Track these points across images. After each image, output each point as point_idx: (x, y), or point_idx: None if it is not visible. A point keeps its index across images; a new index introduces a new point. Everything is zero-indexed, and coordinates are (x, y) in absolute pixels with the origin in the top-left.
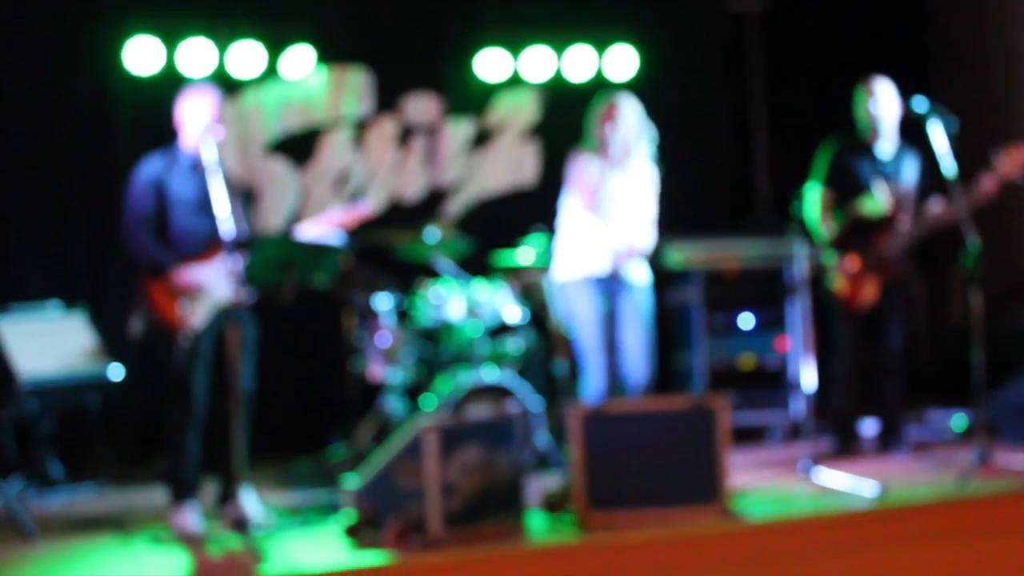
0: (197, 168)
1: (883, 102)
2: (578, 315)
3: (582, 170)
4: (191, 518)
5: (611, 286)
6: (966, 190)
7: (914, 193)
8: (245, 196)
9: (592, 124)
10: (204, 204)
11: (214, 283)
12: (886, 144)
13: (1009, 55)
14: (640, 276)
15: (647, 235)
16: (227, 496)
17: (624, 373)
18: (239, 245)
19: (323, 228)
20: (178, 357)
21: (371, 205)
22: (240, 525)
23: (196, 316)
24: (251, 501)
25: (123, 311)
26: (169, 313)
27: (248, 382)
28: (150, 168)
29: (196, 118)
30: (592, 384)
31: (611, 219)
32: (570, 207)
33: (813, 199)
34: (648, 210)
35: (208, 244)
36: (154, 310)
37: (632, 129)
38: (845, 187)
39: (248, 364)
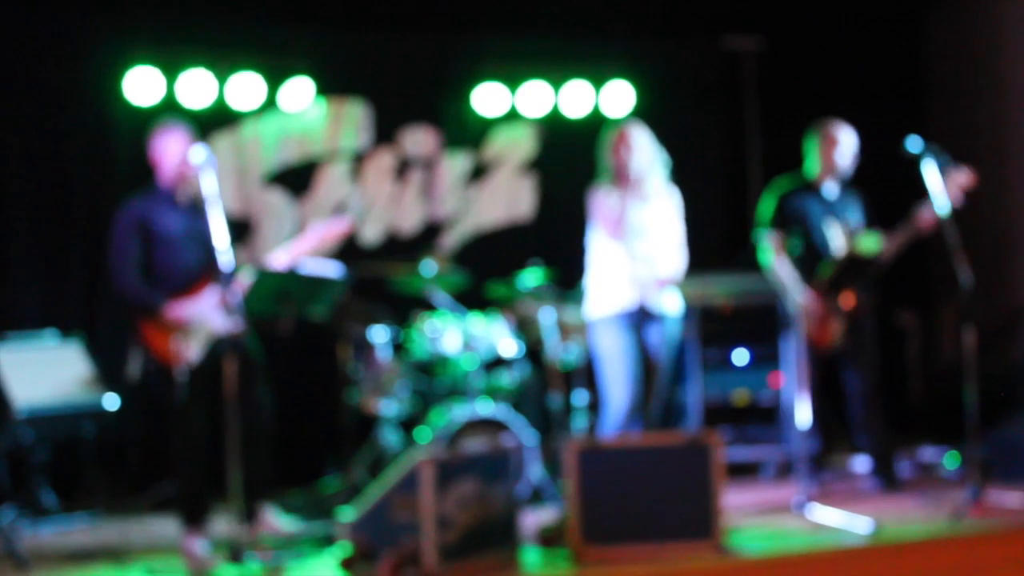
0: (177, 203)
1: (847, 150)
2: (606, 351)
3: (602, 203)
4: (201, 545)
5: (640, 320)
6: (909, 219)
7: (861, 231)
8: (233, 227)
9: (605, 155)
10: (188, 238)
11: (205, 316)
12: (831, 185)
13: (1002, 91)
14: (671, 305)
15: (676, 261)
16: (251, 514)
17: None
18: (226, 275)
19: (305, 247)
20: (177, 392)
21: (349, 220)
22: (236, 556)
23: (190, 350)
24: (275, 516)
25: (119, 341)
26: (165, 350)
27: (266, 401)
28: (131, 211)
29: (170, 155)
30: (611, 421)
31: (637, 250)
32: (597, 243)
33: (765, 244)
34: (675, 235)
35: (196, 277)
36: (150, 349)
37: (646, 155)
38: (794, 228)
39: (263, 386)
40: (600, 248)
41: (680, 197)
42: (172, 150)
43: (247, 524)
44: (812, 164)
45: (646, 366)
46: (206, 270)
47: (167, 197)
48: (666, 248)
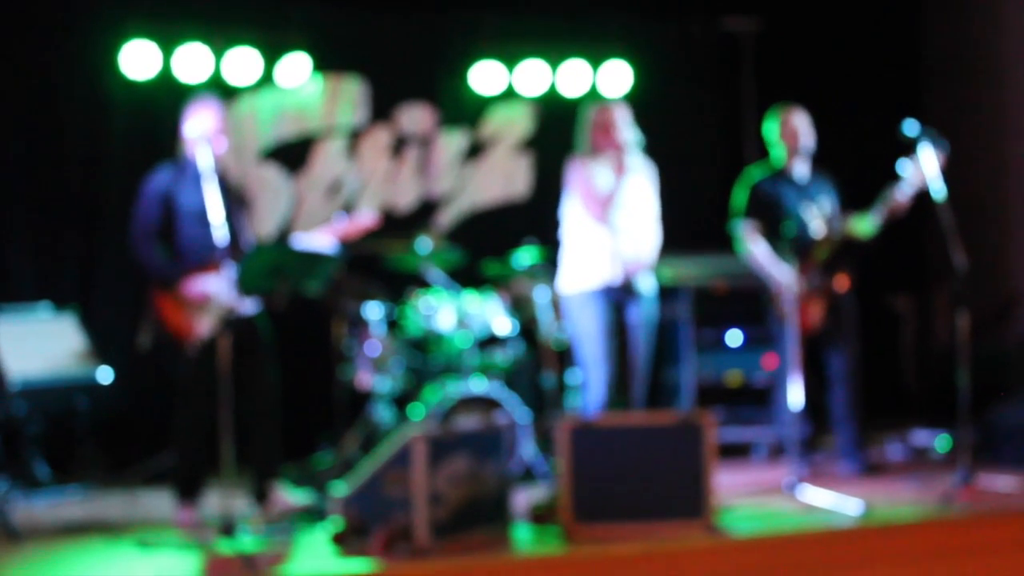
0: (204, 178)
1: (804, 131)
2: (584, 327)
3: (587, 177)
4: (192, 516)
5: (620, 297)
6: (883, 201)
7: (836, 214)
8: (243, 205)
9: (585, 132)
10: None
11: (222, 292)
12: (801, 169)
13: (1000, 74)
14: (646, 285)
15: (653, 238)
16: (263, 494)
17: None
18: (241, 254)
19: (325, 239)
20: (186, 366)
21: (373, 216)
22: (227, 529)
23: (203, 325)
24: (287, 493)
25: (113, 314)
26: (178, 324)
27: (276, 382)
28: (158, 180)
29: (201, 129)
30: (593, 397)
31: (619, 227)
32: (574, 215)
33: (742, 234)
34: (651, 211)
35: (216, 253)
36: (163, 321)
37: (628, 133)
38: (770, 215)
39: (272, 367)
40: (577, 221)
41: (656, 172)
42: (204, 124)
43: (260, 504)
44: (777, 151)
45: (626, 345)
46: (225, 247)
47: (194, 171)
48: (644, 223)
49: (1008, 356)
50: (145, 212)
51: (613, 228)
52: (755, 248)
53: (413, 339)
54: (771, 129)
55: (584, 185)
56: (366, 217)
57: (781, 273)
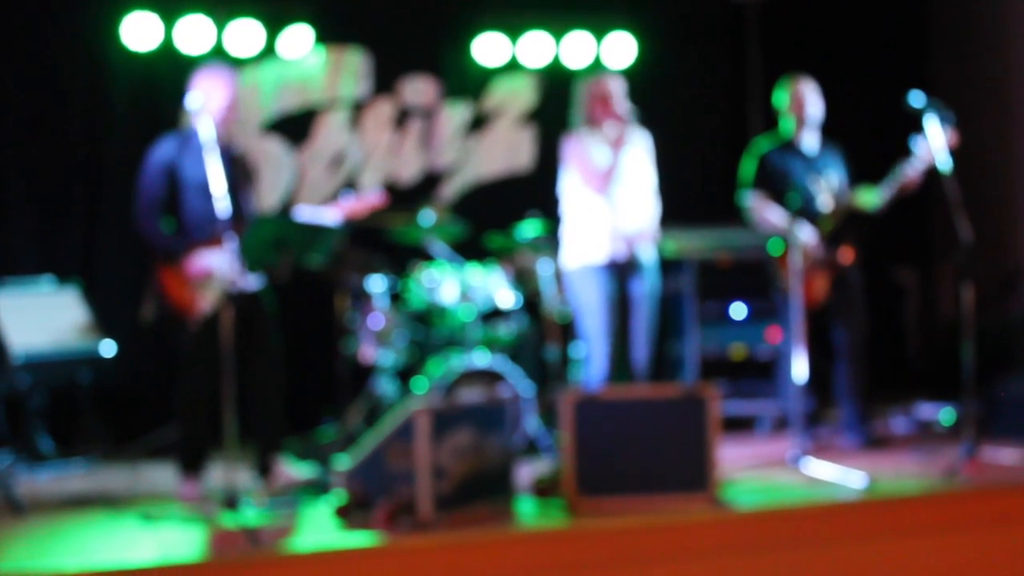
0: (210, 150)
1: (812, 101)
2: (586, 301)
3: (585, 153)
4: (196, 490)
5: (623, 271)
6: (894, 176)
7: (844, 187)
8: (251, 177)
9: (581, 106)
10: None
11: (225, 267)
12: (810, 141)
13: (1006, 46)
14: (648, 258)
15: (652, 209)
16: (266, 468)
17: (634, 358)
18: (245, 227)
19: (330, 214)
20: (189, 340)
21: (381, 195)
22: (231, 503)
23: (206, 300)
24: (290, 467)
25: (116, 287)
26: (180, 297)
27: (280, 356)
28: (163, 151)
29: (211, 99)
30: (596, 370)
31: (619, 201)
32: (573, 191)
33: (751, 204)
34: (649, 182)
35: (221, 227)
36: (166, 295)
37: (624, 105)
38: (777, 186)
39: (277, 340)
40: (577, 196)
41: (652, 141)
42: (215, 94)
43: (263, 477)
44: (787, 122)
45: (627, 318)
46: (229, 221)
47: (200, 143)
48: (642, 195)
49: (1013, 329)
50: (149, 185)
51: (613, 201)
52: (769, 214)
53: (416, 312)
54: (780, 99)
55: (582, 160)
56: (374, 196)
57: (801, 233)
